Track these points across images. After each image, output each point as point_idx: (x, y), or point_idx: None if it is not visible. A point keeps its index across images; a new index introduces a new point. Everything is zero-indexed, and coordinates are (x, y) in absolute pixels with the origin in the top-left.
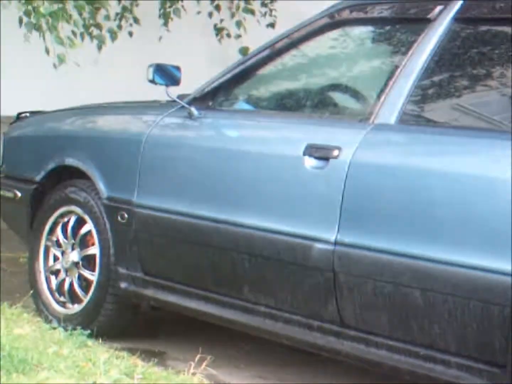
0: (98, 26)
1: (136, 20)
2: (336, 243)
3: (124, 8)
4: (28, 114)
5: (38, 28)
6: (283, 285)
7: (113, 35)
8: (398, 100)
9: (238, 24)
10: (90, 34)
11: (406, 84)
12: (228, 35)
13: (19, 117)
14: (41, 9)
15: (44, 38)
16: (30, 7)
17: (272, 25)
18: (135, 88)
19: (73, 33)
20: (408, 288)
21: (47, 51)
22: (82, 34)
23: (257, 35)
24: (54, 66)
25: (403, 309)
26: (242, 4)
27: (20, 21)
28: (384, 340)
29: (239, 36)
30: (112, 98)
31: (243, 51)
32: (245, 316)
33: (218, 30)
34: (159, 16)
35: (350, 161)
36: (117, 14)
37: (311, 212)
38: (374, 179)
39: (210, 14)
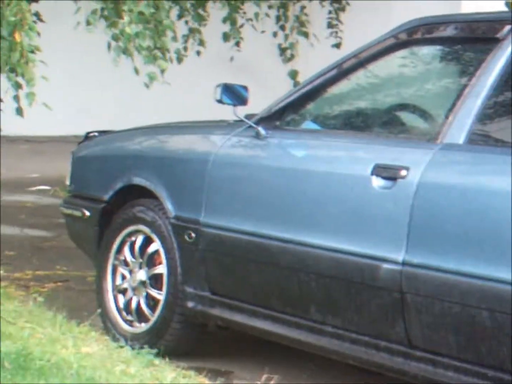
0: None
1: (202, 43)
2: (404, 263)
3: (191, 30)
4: (96, 134)
5: (125, 51)
6: (350, 305)
7: (180, 57)
8: (467, 119)
9: (291, 45)
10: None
11: (474, 104)
12: (292, 56)
13: (87, 136)
14: (127, 29)
15: (132, 59)
16: (118, 31)
17: (337, 45)
18: (202, 108)
19: (163, 53)
20: (477, 309)
21: (136, 71)
22: (162, 51)
23: (322, 55)
24: (146, 85)
25: (471, 330)
26: (296, 26)
27: (109, 46)
28: (452, 361)
29: (290, 58)
30: (180, 118)
31: (293, 74)
32: (312, 336)
33: (283, 50)
34: (224, 35)
35: (418, 181)
36: (183, 36)
37: (379, 232)
38: (442, 199)
39: (275, 34)
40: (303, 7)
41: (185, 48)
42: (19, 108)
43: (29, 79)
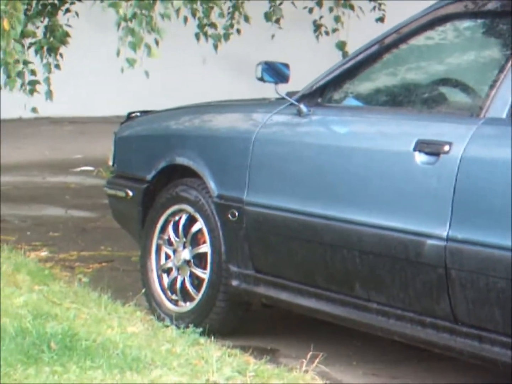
0: (213, 25)
1: (246, 19)
2: (448, 239)
3: (235, 7)
4: (138, 114)
5: (132, 32)
6: (395, 282)
7: (226, 34)
8: (509, 94)
9: (336, 19)
10: (205, 34)
11: None
12: (327, 33)
13: (129, 117)
14: (120, 11)
15: (123, 41)
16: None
17: (381, 19)
18: (243, 87)
19: (156, 41)
20: None
21: (117, 53)
22: (197, 35)
23: (360, 31)
24: (121, 70)
25: None
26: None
27: (118, 25)
28: (498, 337)
29: (335, 30)
30: (220, 97)
31: (340, 45)
32: (357, 313)
33: (317, 27)
34: (266, 15)
35: (461, 156)
36: (228, 13)
37: (422, 208)
38: (485, 174)
39: (311, 10)
40: None
41: (232, 25)
42: (49, 92)
43: (12, 67)
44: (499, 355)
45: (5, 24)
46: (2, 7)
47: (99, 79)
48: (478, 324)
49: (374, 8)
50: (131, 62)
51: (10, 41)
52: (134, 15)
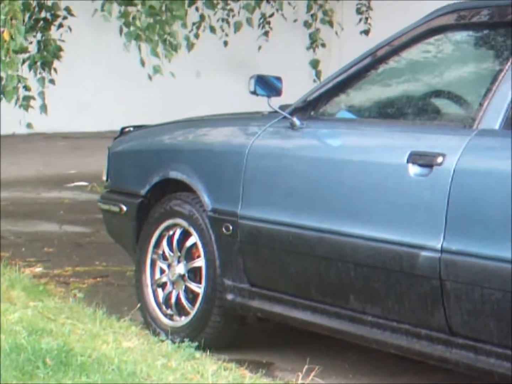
0: (172, 35)
1: (212, 30)
2: (442, 250)
3: (202, 17)
4: (132, 129)
5: (137, 38)
6: (390, 294)
7: (189, 44)
8: (502, 105)
9: (315, 34)
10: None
11: (510, 89)
12: (323, 45)
13: (123, 131)
14: (137, 23)
15: (140, 50)
16: (129, 19)
17: (366, 32)
18: (235, 101)
19: (170, 44)
20: None
21: (142, 62)
22: (171, 43)
23: (352, 43)
24: (149, 77)
25: (511, 316)
26: (320, 15)
27: (120, 30)
28: (493, 348)
29: (314, 47)
30: (213, 111)
31: (314, 63)
32: (352, 325)
33: (313, 39)
34: (259, 26)
35: (455, 168)
36: (194, 23)
37: (416, 220)
38: (479, 185)
39: (305, 23)
40: None
41: (196, 35)
42: (44, 106)
43: (10, 79)
44: (495, 366)
45: (5, 35)
46: (2, 16)
47: (93, 95)
48: (474, 336)
49: (360, 20)
50: (157, 69)
51: (10, 52)
52: (148, 26)
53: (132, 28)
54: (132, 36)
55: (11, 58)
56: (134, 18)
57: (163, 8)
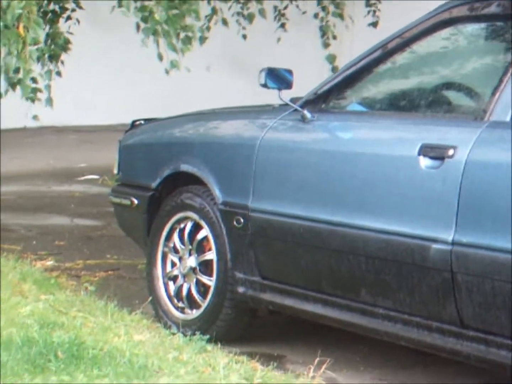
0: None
1: (224, 22)
2: (453, 243)
3: (214, 10)
4: (142, 122)
5: (154, 33)
6: (401, 287)
7: (202, 37)
8: None
9: (327, 28)
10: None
11: None
12: (334, 37)
13: (133, 125)
14: (156, 16)
15: (157, 44)
16: (146, 13)
17: (374, 24)
18: (246, 94)
19: (188, 37)
20: None
21: (160, 57)
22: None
23: (365, 35)
24: (166, 71)
25: None
26: (331, 8)
27: (137, 27)
28: (504, 340)
29: (327, 43)
30: (224, 104)
31: (330, 59)
32: (363, 318)
33: (324, 32)
34: (274, 18)
35: (466, 160)
36: (206, 16)
37: (428, 213)
38: (490, 178)
39: (316, 15)
40: None
41: (208, 28)
42: (50, 99)
43: (26, 73)
44: (506, 358)
45: (21, 29)
46: (18, 10)
47: (103, 88)
48: (485, 328)
49: (368, 12)
50: (174, 64)
51: (26, 47)
52: (166, 20)
53: (150, 23)
54: (150, 31)
55: (29, 52)
56: (151, 12)
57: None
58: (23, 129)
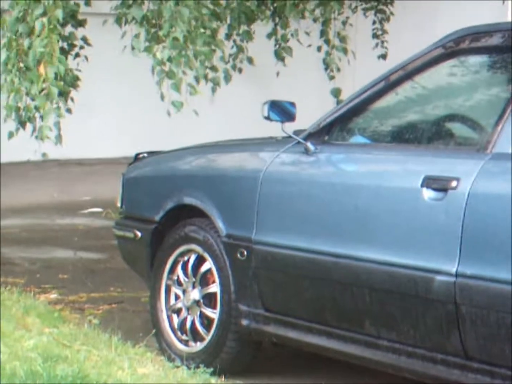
0: (214, 68)
1: (250, 61)
2: (457, 275)
3: (239, 48)
4: (145, 155)
5: (169, 74)
6: (405, 318)
7: (228, 76)
8: None
9: (332, 61)
10: (205, 77)
11: None
12: (338, 69)
13: (137, 157)
14: (158, 55)
15: (160, 85)
16: (152, 55)
17: (383, 56)
18: (249, 126)
19: (196, 79)
20: None
21: (162, 97)
22: (196, 78)
23: (369, 67)
24: (168, 113)
25: None
26: (336, 42)
27: (153, 69)
28: (509, 372)
29: (332, 76)
30: (227, 136)
31: (335, 92)
32: (367, 350)
33: (327, 64)
34: (274, 53)
35: (469, 192)
36: (230, 55)
37: (431, 244)
38: (493, 209)
39: (319, 48)
40: (345, 21)
41: (234, 67)
42: (59, 136)
43: (45, 113)
44: None
45: (41, 69)
46: (41, 49)
47: (106, 121)
48: (489, 360)
49: (376, 45)
50: (177, 105)
51: (48, 85)
52: (169, 58)
53: (157, 64)
54: (165, 73)
55: (49, 90)
56: (157, 52)
57: (188, 42)
58: (26, 162)
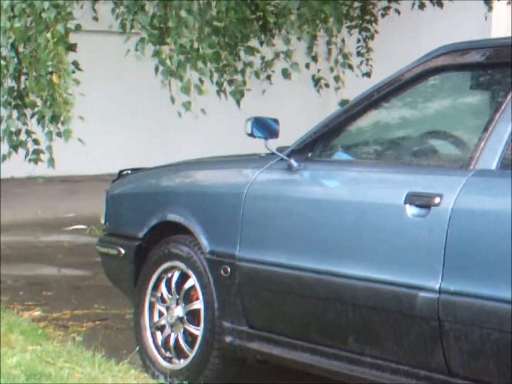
0: (232, 82)
1: (257, 75)
2: (440, 291)
3: (246, 64)
4: (129, 172)
5: (172, 74)
6: (388, 335)
7: (241, 91)
8: (499, 145)
9: (336, 78)
10: (224, 91)
11: (506, 129)
12: (327, 85)
13: (120, 174)
14: (167, 62)
15: (170, 88)
16: (162, 58)
17: (368, 74)
18: (233, 142)
19: (200, 80)
20: None
21: (172, 100)
22: (218, 92)
23: (354, 85)
24: (179, 114)
25: (511, 356)
26: (340, 58)
27: (156, 69)
28: None
29: (337, 88)
30: (214, 153)
31: (343, 103)
32: (351, 367)
33: (316, 81)
34: (261, 69)
35: (452, 208)
36: (239, 71)
37: (414, 261)
38: (477, 226)
39: (307, 65)
40: (343, 40)
41: (244, 82)
42: (51, 160)
43: (66, 118)
44: None
45: (54, 78)
46: (50, 62)
47: (91, 138)
48: (473, 376)
49: (361, 63)
50: (187, 106)
51: (61, 93)
52: (179, 63)
53: (165, 66)
54: (168, 73)
55: (66, 99)
56: (165, 57)
57: (195, 46)
58: (10, 179)
